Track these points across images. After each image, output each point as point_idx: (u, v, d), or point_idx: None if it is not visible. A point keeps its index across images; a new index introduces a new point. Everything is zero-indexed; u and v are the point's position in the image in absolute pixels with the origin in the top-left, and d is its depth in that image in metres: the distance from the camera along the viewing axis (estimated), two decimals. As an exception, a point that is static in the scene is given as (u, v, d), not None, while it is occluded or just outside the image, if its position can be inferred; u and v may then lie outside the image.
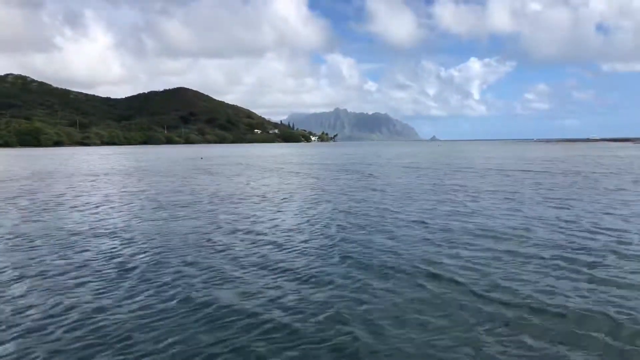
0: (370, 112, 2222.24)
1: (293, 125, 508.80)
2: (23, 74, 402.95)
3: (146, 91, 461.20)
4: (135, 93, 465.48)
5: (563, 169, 38.95)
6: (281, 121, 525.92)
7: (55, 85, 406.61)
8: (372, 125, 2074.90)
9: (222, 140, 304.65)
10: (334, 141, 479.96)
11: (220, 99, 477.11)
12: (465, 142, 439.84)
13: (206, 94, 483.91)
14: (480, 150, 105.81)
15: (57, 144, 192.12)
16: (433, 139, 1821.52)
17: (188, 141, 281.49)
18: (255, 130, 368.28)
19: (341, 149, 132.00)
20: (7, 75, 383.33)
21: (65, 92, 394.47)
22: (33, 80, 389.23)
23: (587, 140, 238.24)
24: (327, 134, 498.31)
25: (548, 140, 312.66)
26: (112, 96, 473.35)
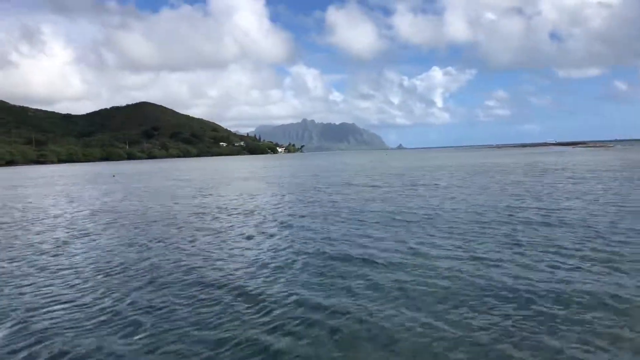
0: (337, 122, 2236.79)
1: (260, 137, 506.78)
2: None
3: (108, 106, 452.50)
4: (96, 109, 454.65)
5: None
6: (247, 133, 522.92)
7: (12, 102, 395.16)
8: (339, 135, 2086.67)
9: (185, 154, 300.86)
10: (301, 152, 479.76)
11: (185, 113, 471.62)
12: (431, 149, 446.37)
13: (170, 108, 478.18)
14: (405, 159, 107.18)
15: (10, 163, 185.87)
16: (400, 147, 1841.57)
17: (150, 156, 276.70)
18: (221, 143, 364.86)
19: (300, 160, 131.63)
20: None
21: (23, 110, 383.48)
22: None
23: (545, 144, 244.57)
24: (293, 145, 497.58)
25: (501, 146, 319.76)
26: (73, 112, 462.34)
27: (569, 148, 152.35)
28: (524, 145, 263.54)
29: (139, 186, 41.70)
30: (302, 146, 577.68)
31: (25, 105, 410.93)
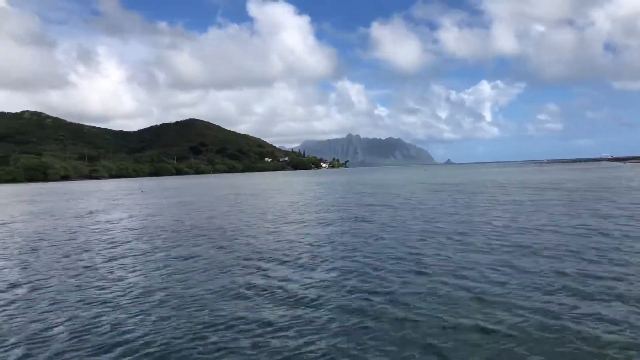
0: (383, 137, 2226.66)
1: (304, 152, 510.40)
2: (39, 111, 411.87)
3: (158, 123, 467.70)
4: (148, 125, 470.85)
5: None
6: (292, 149, 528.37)
7: (69, 120, 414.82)
8: (385, 150, 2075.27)
9: (231, 170, 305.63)
10: (345, 167, 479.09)
11: (231, 129, 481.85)
12: (479, 164, 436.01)
13: (217, 124, 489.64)
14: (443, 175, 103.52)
15: (65, 178, 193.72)
16: (448, 162, 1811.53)
17: (198, 171, 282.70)
18: (266, 159, 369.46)
19: (340, 176, 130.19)
20: (23, 112, 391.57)
21: (79, 127, 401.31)
22: (48, 116, 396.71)
23: (600, 159, 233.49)
24: (338, 160, 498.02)
25: (550, 161, 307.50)
26: (125, 129, 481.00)
27: (621, 163, 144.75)
28: (574, 161, 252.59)
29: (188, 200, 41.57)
30: (346, 161, 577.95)
31: (81, 122, 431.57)
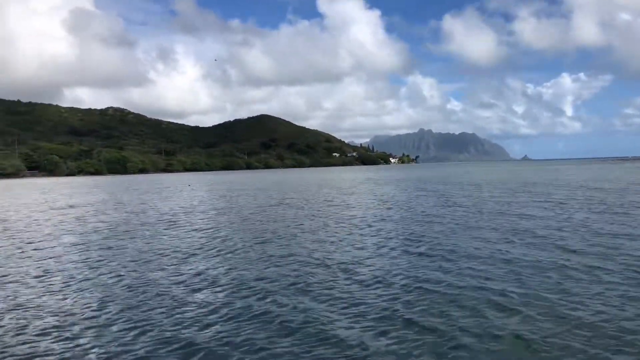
0: (456, 132, 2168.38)
1: (373, 147, 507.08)
2: (122, 107, 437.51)
3: (231, 119, 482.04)
4: (221, 121, 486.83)
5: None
6: (361, 144, 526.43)
7: (149, 116, 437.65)
8: (459, 145, 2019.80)
9: (299, 165, 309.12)
10: (416, 162, 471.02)
11: (301, 125, 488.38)
12: (559, 161, 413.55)
13: (288, 120, 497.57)
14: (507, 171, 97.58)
15: (142, 171, 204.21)
16: (525, 158, 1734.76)
17: (267, 166, 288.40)
18: (334, 154, 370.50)
19: (406, 172, 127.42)
20: (107, 108, 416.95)
21: (158, 122, 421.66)
22: (130, 112, 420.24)
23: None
24: (407, 156, 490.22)
25: (636, 159, 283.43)
26: (201, 125, 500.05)
27: None
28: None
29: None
30: (416, 157, 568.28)
31: (160, 118, 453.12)
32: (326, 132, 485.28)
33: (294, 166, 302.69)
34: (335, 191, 44.61)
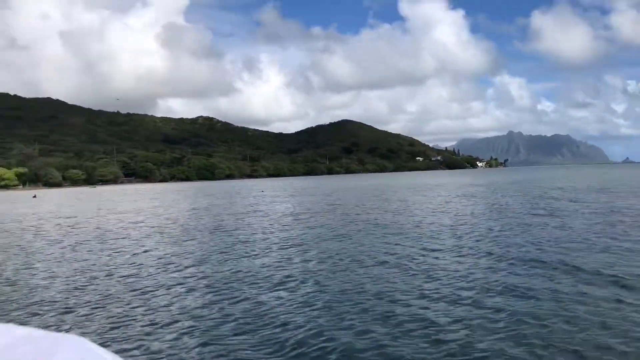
0: (548, 134, 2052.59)
1: (459, 151, 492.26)
2: (210, 116, 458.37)
3: (314, 125, 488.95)
4: (304, 127, 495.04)
5: None
6: (446, 148, 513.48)
7: (236, 124, 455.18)
8: (551, 147, 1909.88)
9: (382, 170, 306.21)
10: (505, 166, 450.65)
11: (383, 129, 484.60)
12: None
13: (369, 124, 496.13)
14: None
15: (229, 176, 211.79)
16: (626, 160, 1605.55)
17: (348, 171, 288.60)
18: (417, 158, 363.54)
19: (504, 175, 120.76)
20: (197, 117, 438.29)
21: (244, 130, 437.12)
22: (218, 121, 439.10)
23: None
24: (496, 159, 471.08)
25: None
26: (284, 131, 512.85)
27: None
28: None
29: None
30: (505, 160, 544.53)
31: (246, 125, 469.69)
32: (409, 136, 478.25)
33: (376, 171, 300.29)
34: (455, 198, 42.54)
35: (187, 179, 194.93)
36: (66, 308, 9.39)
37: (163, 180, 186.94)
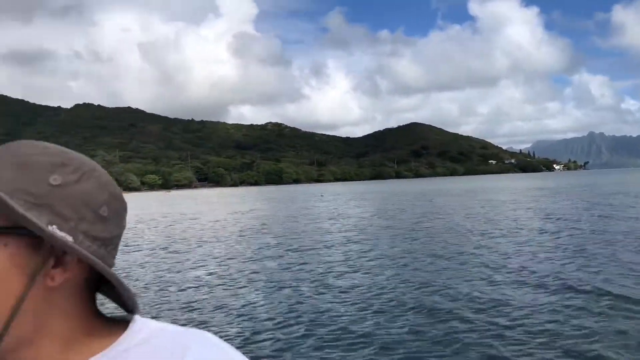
0: (634, 134, 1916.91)
1: (534, 153, 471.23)
2: (279, 122, 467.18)
3: (381, 129, 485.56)
4: (371, 131, 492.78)
5: None
6: (520, 150, 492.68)
7: (304, 129, 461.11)
8: (637, 149, 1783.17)
9: (452, 173, 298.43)
10: (585, 169, 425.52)
11: (453, 132, 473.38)
12: None
13: (439, 127, 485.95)
14: None
15: (296, 181, 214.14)
16: None
17: (417, 175, 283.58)
18: (490, 161, 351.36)
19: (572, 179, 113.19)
20: (267, 123, 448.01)
21: (311, 135, 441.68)
22: (286, 127, 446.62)
23: None
24: (575, 162, 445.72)
25: None
26: (351, 136, 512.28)
27: None
28: None
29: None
30: (585, 163, 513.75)
31: (314, 131, 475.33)
32: (481, 138, 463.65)
33: (446, 174, 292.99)
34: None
35: (256, 183, 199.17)
36: (209, 307, 9.47)
37: (233, 184, 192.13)
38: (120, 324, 0.63)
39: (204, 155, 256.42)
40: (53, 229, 0.53)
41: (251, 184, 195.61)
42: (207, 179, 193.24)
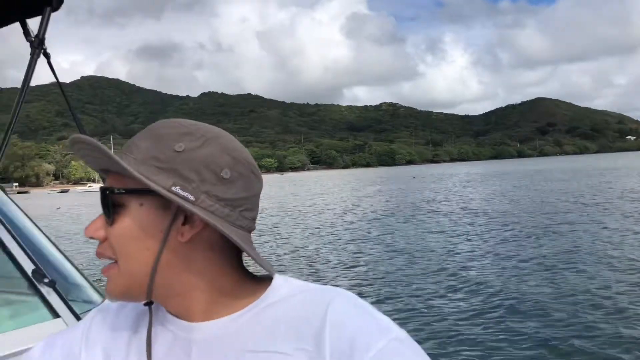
0: None
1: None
2: (393, 102, 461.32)
3: (503, 105, 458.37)
4: (492, 108, 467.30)
5: None
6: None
7: (419, 108, 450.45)
8: None
9: (582, 152, 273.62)
10: None
11: (585, 106, 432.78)
12: None
13: (568, 101, 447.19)
14: None
15: (409, 162, 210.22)
16: None
17: (542, 154, 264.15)
18: (627, 137, 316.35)
19: None
20: (381, 104, 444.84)
21: (428, 114, 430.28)
22: (401, 106, 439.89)
23: None
24: None
25: None
26: (470, 113, 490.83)
27: None
28: None
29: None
30: None
31: (430, 109, 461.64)
32: (618, 112, 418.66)
33: (575, 153, 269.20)
34: None
35: (368, 165, 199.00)
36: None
37: (345, 167, 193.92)
38: (264, 282, 0.68)
39: (318, 138, 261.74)
40: (177, 189, 0.60)
41: (363, 166, 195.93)
42: (320, 161, 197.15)
